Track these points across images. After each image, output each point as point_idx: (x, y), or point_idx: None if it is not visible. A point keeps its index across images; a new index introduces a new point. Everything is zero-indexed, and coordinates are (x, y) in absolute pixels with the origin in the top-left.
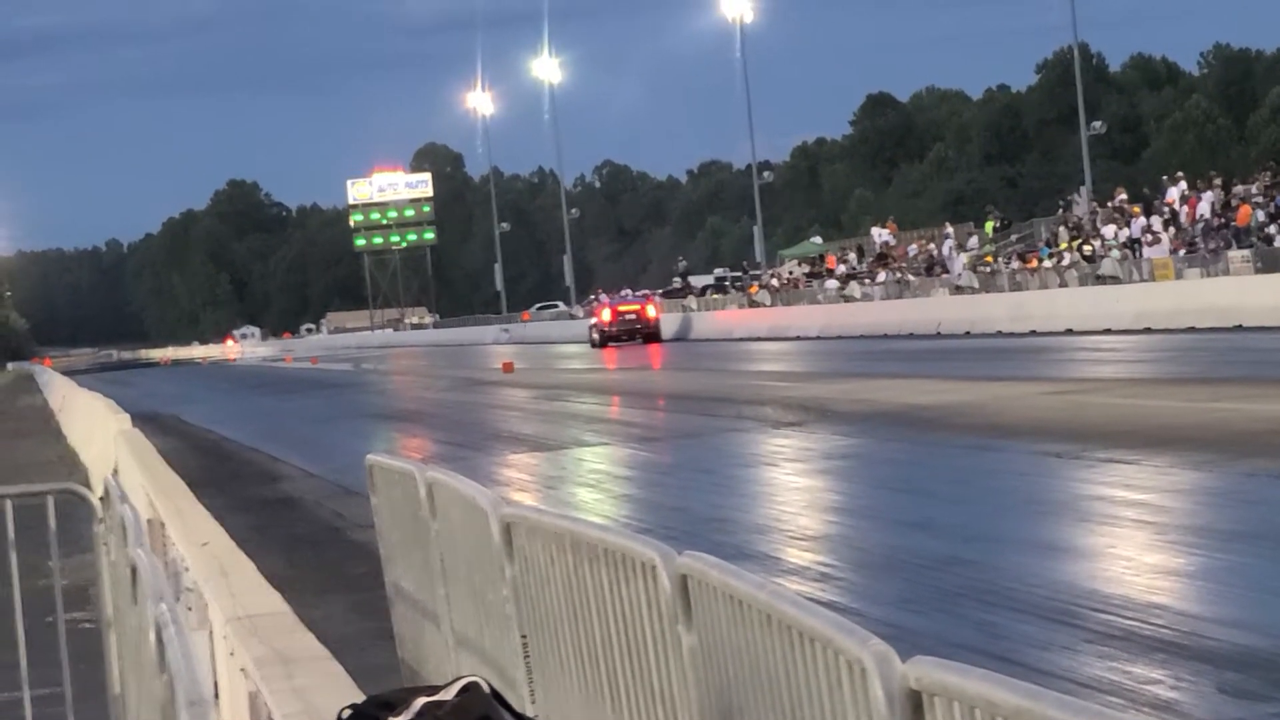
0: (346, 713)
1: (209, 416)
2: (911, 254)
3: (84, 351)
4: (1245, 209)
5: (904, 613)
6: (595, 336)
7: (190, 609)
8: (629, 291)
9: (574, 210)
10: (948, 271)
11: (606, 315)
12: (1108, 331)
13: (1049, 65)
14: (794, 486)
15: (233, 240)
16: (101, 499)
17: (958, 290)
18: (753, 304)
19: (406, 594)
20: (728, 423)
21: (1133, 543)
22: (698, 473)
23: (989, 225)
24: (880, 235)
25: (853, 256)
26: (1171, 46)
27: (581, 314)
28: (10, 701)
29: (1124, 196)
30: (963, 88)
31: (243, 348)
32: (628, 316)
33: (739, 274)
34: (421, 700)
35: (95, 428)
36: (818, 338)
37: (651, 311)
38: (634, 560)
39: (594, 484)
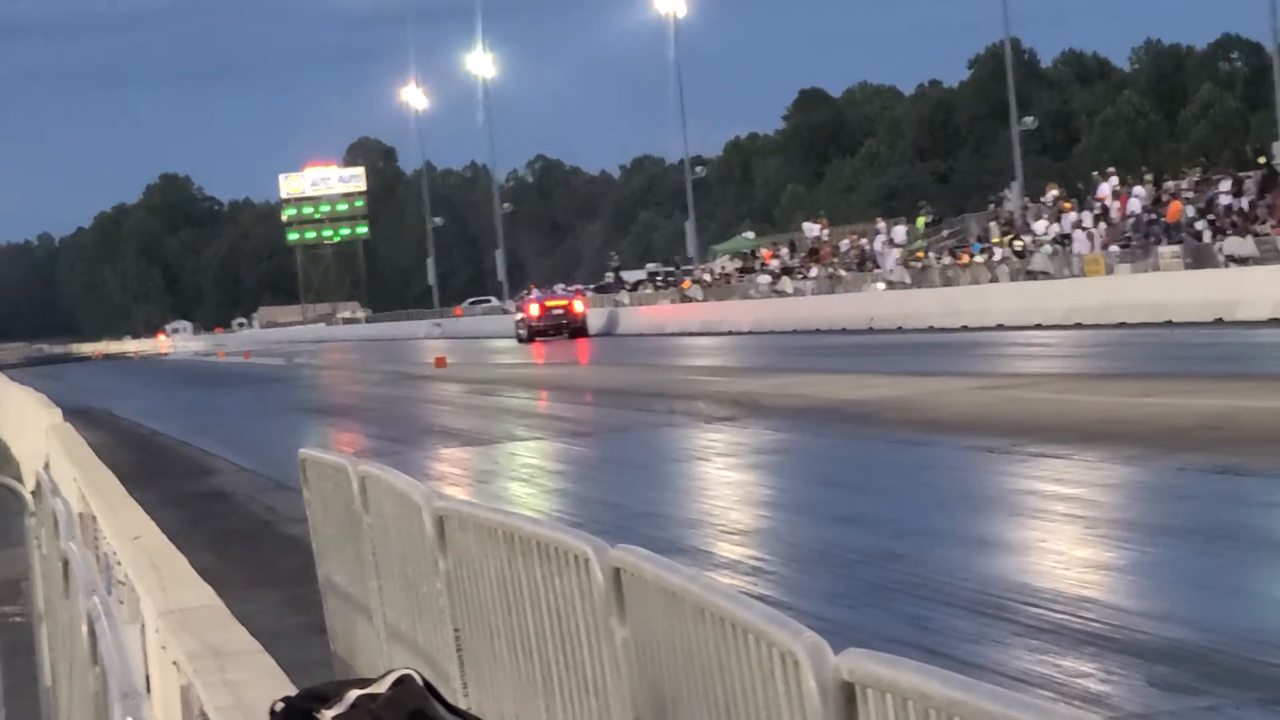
0: (279, 705)
1: (141, 411)
2: (843, 249)
3: (14, 346)
4: (1175, 205)
5: (836, 607)
6: (522, 332)
7: (122, 603)
8: (562, 286)
9: (507, 205)
10: (880, 267)
11: (534, 310)
12: (1039, 327)
13: (981, 61)
14: (726, 481)
15: (165, 234)
16: (33, 493)
17: (890, 285)
18: (685, 299)
19: (339, 588)
20: (660, 418)
21: (1063, 537)
22: (630, 467)
23: (921, 220)
24: (812, 230)
25: (785, 251)
26: (1103, 42)
27: (514, 309)
28: None
29: (1056, 192)
30: (895, 83)
31: (175, 342)
32: (555, 311)
33: (671, 269)
34: (354, 693)
35: (27, 422)
36: (750, 333)
37: (579, 306)
38: (567, 554)
39: (526, 478)
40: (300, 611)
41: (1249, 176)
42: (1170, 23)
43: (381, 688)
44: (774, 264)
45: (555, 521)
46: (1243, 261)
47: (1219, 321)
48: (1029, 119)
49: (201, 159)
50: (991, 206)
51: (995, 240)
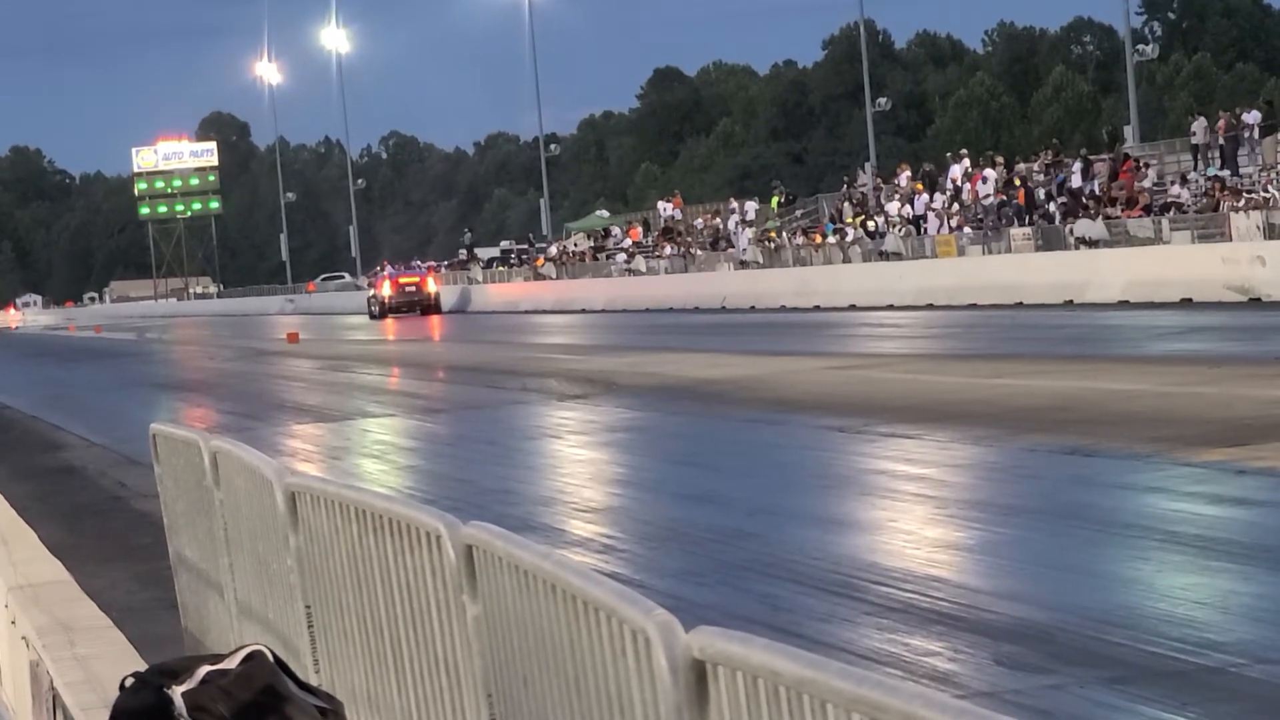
0: (129, 681)
1: None
2: (698, 228)
3: None
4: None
5: (687, 585)
6: (374, 309)
7: None
8: (418, 263)
9: (360, 181)
10: (733, 246)
11: (387, 287)
12: (890, 307)
13: (835, 41)
14: (578, 459)
15: (15, 208)
16: None
17: (743, 265)
18: (539, 277)
19: (190, 563)
20: (512, 395)
21: (913, 516)
22: (482, 444)
23: (774, 200)
24: (666, 209)
25: (639, 230)
26: (956, 24)
27: (366, 285)
28: None
29: (908, 173)
30: (750, 63)
31: (24, 316)
32: (407, 289)
33: (525, 246)
34: (205, 669)
35: None
36: (603, 311)
37: (431, 284)
38: (419, 530)
39: (378, 455)
40: (151, 587)
41: (1100, 159)
42: (1023, 6)
43: (232, 663)
44: (626, 242)
45: (407, 498)
46: (1093, 244)
47: (1069, 303)
48: (883, 100)
49: (53, 132)
50: (845, 187)
51: (848, 221)
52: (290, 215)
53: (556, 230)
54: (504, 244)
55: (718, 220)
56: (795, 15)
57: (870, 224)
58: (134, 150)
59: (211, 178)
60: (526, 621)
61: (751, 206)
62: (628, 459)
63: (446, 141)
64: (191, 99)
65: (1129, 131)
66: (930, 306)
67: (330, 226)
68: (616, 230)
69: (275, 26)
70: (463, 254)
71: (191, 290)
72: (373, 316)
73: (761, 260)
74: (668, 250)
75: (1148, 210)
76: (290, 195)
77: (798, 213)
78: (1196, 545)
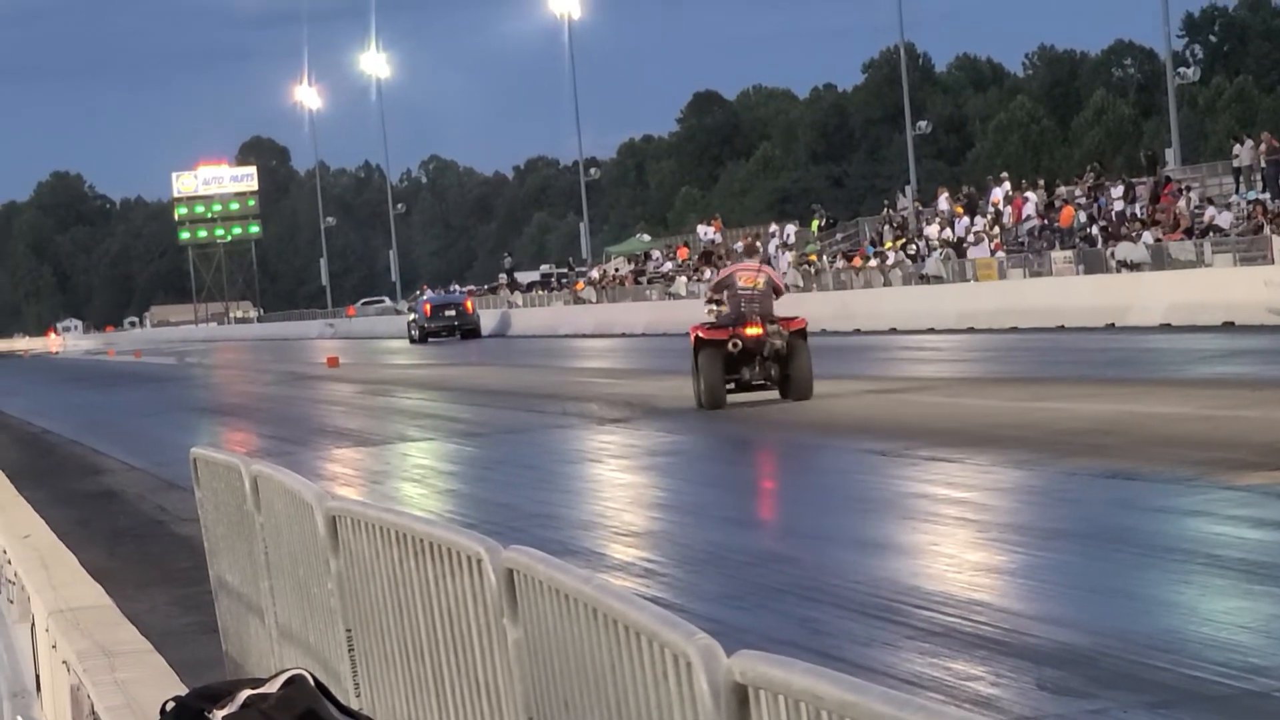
0: (170, 705)
1: (30, 409)
2: (738, 251)
3: None
4: (1068, 210)
5: (728, 609)
6: (414, 333)
7: (12, 602)
8: (457, 287)
9: (400, 205)
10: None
11: (427, 311)
12: (931, 331)
13: (875, 65)
14: (619, 483)
15: (56, 232)
16: None
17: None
18: (578, 301)
19: (231, 587)
20: (552, 419)
21: (955, 540)
22: (522, 468)
23: (814, 224)
24: (706, 233)
25: (687, 249)
26: (997, 47)
27: (407, 309)
28: None
29: (946, 194)
30: (789, 86)
31: (65, 341)
32: (447, 313)
33: (565, 270)
34: (246, 693)
35: None
36: (643, 335)
37: (471, 308)
38: (460, 554)
39: (419, 479)
40: (191, 611)
41: (1141, 182)
42: (1064, 28)
43: (273, 687)
44: (667, 266)
45: (448, 522)
46: (1134, 267)
47: (1111, 326)
48: (923, 123)
49: (93, 157)
50: (885, 210)
51: (888, 244)
52: (330, 239)
53: (596, 254)
54: (544, 268)
55: (758, 244)
56: (835, 38)
57: (911, 247)
58: (174, 175)
59: (251, 202)
60: (568, 645)
61: (791, 230)
62: (668, 482)
63: (486, 165)
64: (231, 123)
65: (1170, 154)
66: (971, 330)
67: (370, 250)
68: (657, 254)
69: (315, 51)
70: (502, 277)
71: (231, 315)
72: (413, 341)
73: (801, 283)
74: (708, 274)
75: (1189, 233)
76: (330, 219)
77: (838, 236)
78: (1240, 569)
